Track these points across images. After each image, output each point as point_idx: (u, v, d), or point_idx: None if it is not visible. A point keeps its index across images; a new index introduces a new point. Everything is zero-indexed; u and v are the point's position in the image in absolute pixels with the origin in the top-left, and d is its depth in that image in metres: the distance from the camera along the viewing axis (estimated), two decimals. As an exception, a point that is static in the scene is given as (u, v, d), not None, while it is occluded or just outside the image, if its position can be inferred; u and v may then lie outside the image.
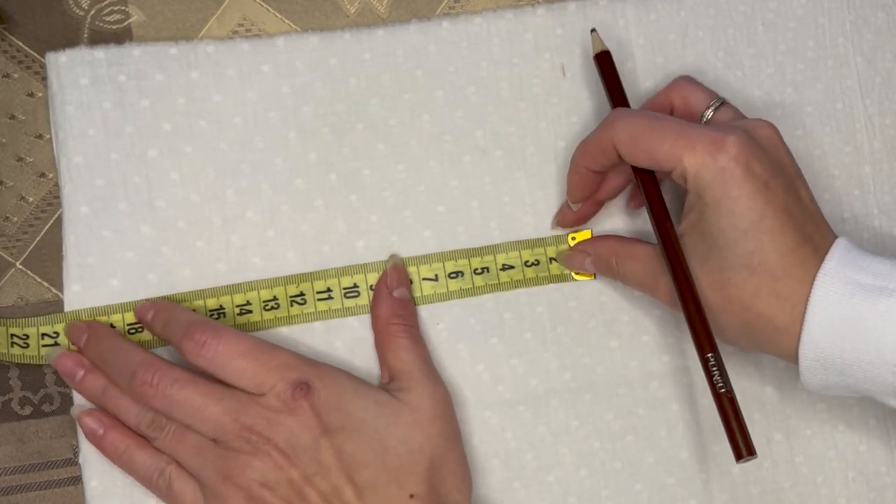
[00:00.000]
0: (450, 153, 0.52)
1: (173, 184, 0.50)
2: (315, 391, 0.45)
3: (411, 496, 0.45)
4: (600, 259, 0.51)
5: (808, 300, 0.44)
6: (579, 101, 0.54)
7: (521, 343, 0.52)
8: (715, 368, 0.45)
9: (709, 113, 0.49)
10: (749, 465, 0.53)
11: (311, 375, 0.46)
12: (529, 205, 0.53)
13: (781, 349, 0.46)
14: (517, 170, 0.53)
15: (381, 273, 0.51)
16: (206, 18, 0.52)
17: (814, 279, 0.44)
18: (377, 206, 0.52)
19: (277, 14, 0.53)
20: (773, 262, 0.44)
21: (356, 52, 0.52)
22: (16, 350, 0.48)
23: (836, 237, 0.46)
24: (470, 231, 0.52)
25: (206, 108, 0.51)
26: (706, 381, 0.46)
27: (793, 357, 0.45)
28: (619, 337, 0.53)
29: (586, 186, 0.50)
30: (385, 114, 0.52)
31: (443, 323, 0.51)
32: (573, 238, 0.53)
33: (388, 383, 0.49)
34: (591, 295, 0.53)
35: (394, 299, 0.50)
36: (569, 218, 0.52)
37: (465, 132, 0.53)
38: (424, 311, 0.51)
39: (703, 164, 0.45)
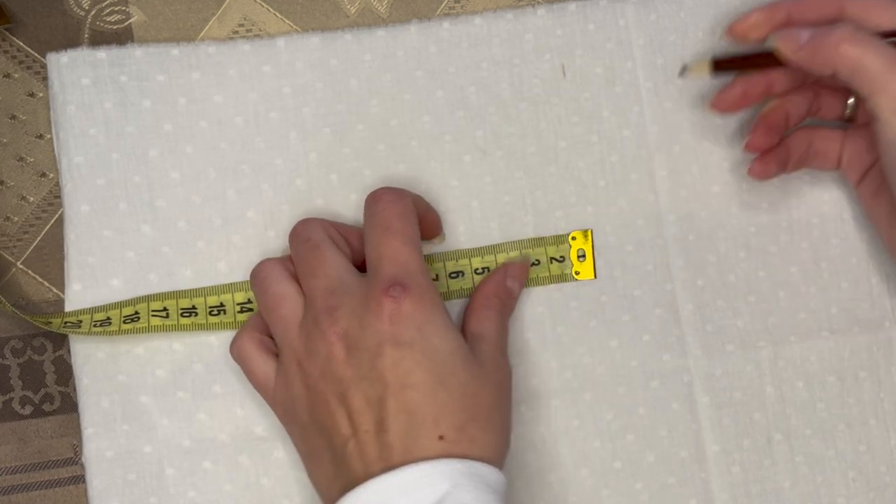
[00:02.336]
0: (450, 153, 0.52)
1: (174, 184, 0.50)
2: (405, 299, 0.44)
3: (440, 437, 0.43)
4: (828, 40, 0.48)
5: None
6: (579, 101, 0.54)
7: (521, 343, 0.52)
8: None
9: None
10: (749, 465, 0.53)
11: (413, 283, 0.45)
12: (529, 205, 0.53)
13: None
14: (517, 170, 0.53)
15: None
16: (206, 19, 0.52)
17: None
18: (378, 206, 0.52)
19: (278, 14, 0.53)
20: None
21: (357, 52, 0.52)
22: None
23: None
24: (470, 231, 0.52)
25: (206, 109, 0.51)
26: None
27: None
28: (619, 337, 0.53)
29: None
30: (385, 114, 0.52)
31: (443, 323, 0.52)
32: (573, 238, 0.53)
33: None
34: (591, 295, 0.53)
35: (505, 286, 0.51)
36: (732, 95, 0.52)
37: (466, 132, 0.53)
38: (425, 311, 0.51)
39: None
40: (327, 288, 0.45)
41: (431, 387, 0.44)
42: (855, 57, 0.46)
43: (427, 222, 0.50)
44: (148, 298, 0.49)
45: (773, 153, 0.52)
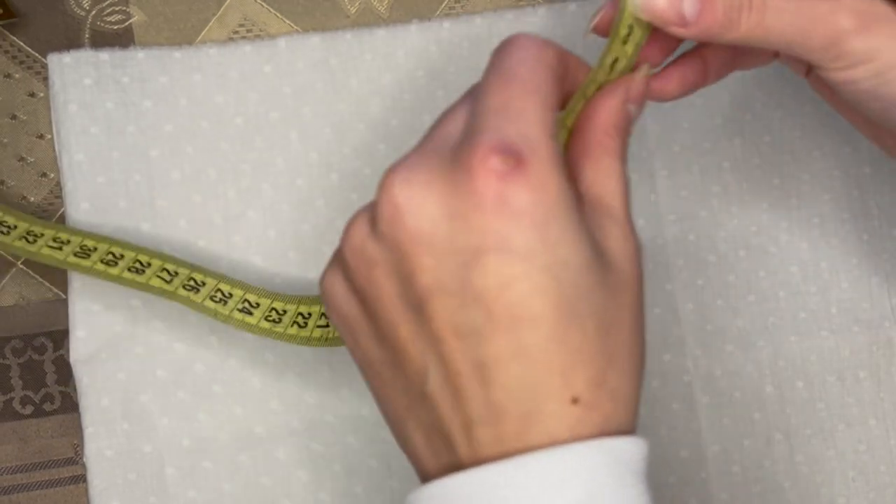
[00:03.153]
0: (450, 153, 0.52)
1: (174, 183, 0.50)
2: (518, 178, 0.30)
3: (574, 400, 0.31)
4: None
5: None
6: (579, 101, 0.54)
7: None
8: None
9: None
10: (749, 465, 0.53)
11: (533, 154, 0.31)
12: (530, 205, 0.53)
13: None
14: (518, 169, 0.53)
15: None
16: (206, 19, 0.52)
17: None
18: (378, 205, 0.52)
19: (278, 14, 0.53)
20: None
21: (357, 52, 0.52)
22: (293, 330, 0.47)
23: None
24: (470, 231, 0.52)
25: (207, 109, 0.51)
26: None
27: None
28: (619, 337, 0.53)
29: None
30: (386, 114, 0.52)
31: (443, 322, 0.51)
32: None
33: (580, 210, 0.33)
34: (591, 295, 0.53)
35: (625, 111, 0.36)
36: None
37: (466, 132, 0.53)
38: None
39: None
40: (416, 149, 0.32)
41: (558, 322, 0.30)
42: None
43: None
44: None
45: (680, 64, 0.39)
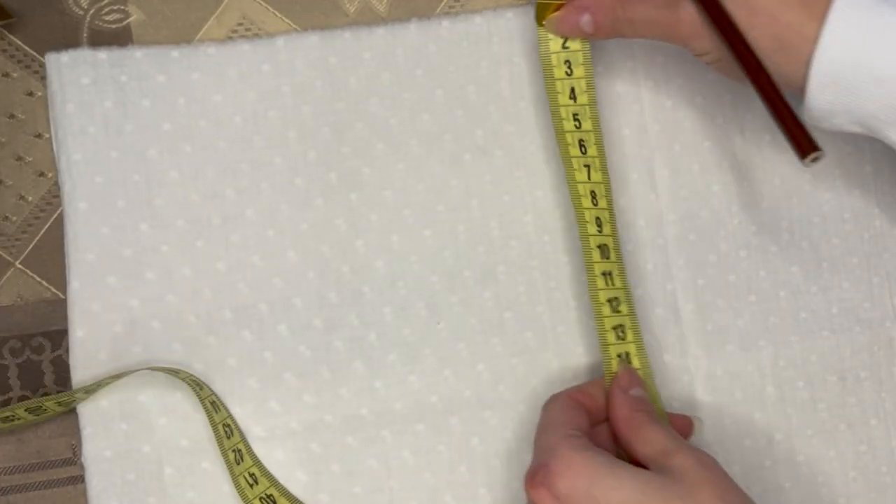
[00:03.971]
0: (450, 152, 0.52)
1: (173, 182, 0.50)
2: (555, 475, 0.41)
3: None
4: (602, 8, 0.48)
5: (831, 4, 0.43)
6: (579, 100, 0.54)
7: (521, 343, 0.52)
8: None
9: None
10: (749, 465, 0.53)
11: (553, 456, 0.42)
12: (530, 204, 0.53)
13: (800, 65, 0.43)
14: (517, 168, 0.53)
15: None
16: (205, 17, 0.52)
17: None
18: (377, 204, 0.52)
19: (277, 13, 0.53)
20: None
21: (356, 51, 0.52)
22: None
23: None
24: (470, 230, 0.52)
25: (206, 108, 0.51)
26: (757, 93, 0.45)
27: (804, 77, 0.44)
28: (619, 337, 0.53)
29: None
30: (385, 113, 0.52)
31: (443, 322, 0.51)
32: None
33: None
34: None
35: (632, 397, 0.47)
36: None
37: (466, 131, 0.53)
38: (424, 310, 0.51)
39: None
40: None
41: None
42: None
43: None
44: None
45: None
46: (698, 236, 0.54)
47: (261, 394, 0.50)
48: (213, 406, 0.48)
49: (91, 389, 0.48)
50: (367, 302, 0.51)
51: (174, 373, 0.48)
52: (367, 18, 0.53)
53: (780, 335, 0.54)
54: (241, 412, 0.50)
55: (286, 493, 0.49)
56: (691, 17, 0.46)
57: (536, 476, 0.41)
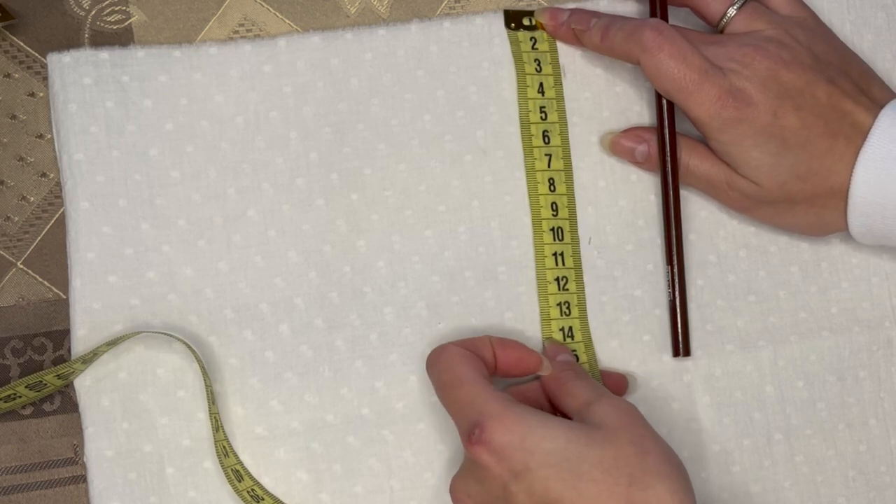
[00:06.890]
0: (451, 153, 0.52)
1: (174, 182, 0.50)
2: (490, 431, 0.43)
3: None
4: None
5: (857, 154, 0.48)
6: (580, 101, 0.54)
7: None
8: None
9: (731, 11, 0.51)
10: (749, 465, 0.53)
11: (485, 414, 0.44)
12: (530, 204, 0.53)
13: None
14: (518, 169, 0.53)
15: None
16: (206, 18, 0.52)
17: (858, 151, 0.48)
18: (378, 205, 0.52)
19: (278, 14, 0.53)
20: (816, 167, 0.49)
21: (357, 51, 0.52)
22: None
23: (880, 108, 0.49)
24: (470, 230, 0.52)
25: (207, 108, 0.51)
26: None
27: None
28: (619, 337, 0.53)
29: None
30: (386, 113, 0.52)
31: (443, 322, 0.52)
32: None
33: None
34: (591, 294, 0.53)
35: (559, 361, 0.50)
36: None
37: (466, 132, 0.53)
38: (425, 311, 0.51)
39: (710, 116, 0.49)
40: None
41: (573, 487, 0.42)
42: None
43: (509, 356, 0.49)
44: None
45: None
46: (698, 236, 0.54)
47: (262, 393, 0.50)
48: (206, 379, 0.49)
49: (88, 359, 0.48)
50: (369, 302, 0.51)
51: (169, 336, 0.48)
52: (369, 19, 0.53)
53: (779, 335, 0.54)
54: (243, 412, 0.50)
55: (265, 490, 0.49)
56: (741, 195, 0.51)
57: (472, 435, 0.43)
